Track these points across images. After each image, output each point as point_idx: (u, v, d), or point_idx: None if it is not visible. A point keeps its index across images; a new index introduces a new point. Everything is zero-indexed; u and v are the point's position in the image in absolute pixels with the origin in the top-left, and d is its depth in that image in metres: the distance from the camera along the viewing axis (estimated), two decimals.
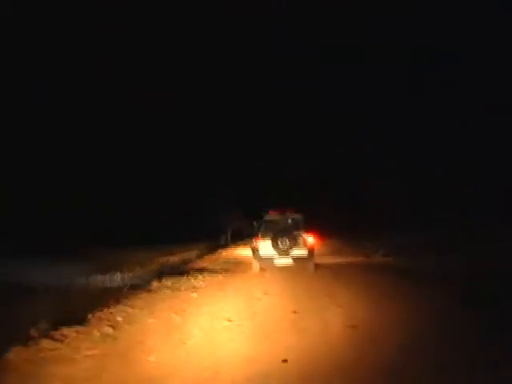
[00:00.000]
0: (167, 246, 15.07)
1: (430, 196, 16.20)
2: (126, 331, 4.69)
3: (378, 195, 18.68)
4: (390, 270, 10.08)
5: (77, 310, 5.33)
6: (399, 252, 12.35)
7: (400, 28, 19.36)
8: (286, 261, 9.37)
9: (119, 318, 5.15)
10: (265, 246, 9.37)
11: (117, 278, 8.74)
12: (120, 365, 3.60)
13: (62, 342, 4.15)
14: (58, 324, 4.55)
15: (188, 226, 20.27)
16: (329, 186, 23.21)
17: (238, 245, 18.99)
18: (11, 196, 15.77)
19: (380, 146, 20.34)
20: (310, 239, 9.53)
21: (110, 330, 4.62)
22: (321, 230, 12.06)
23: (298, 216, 9.87)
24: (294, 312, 5.52)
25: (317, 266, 10.15)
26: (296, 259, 9.37)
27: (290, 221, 9.82)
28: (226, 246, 18.66)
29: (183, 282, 8.10)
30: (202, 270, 10.00)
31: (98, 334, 4.50)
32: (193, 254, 14.26)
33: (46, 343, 4.00)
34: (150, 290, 7.20)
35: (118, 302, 6.06)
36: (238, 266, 11.12)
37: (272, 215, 9.97)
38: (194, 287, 7.55)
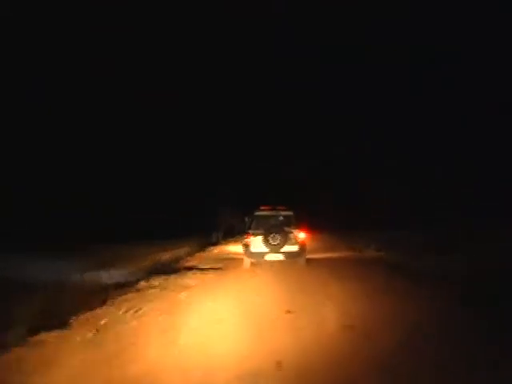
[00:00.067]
0: (161, 242, 14.97)
1: (429, 196, 16.21)
2: (109, 336, 4.45)
3: (377, 195, 18.70)
4: (384, 277, 10.07)
5: (62, 310, 5.16)
6: (400, 252, 12.33)
7: (400, 28, 19.38)
8: (277, 256, 9.41)
9: (103, 321, 4.94)
10: (256, 242, 9.43)
11: (108, 276, 8.68)
12: (98, 375, 3.40)
13: (38, 348, 3.98)
14: (38, 327, 4.38)
15: (188, 226, 20.22)
16: (329, 186, 23.24)
17: (229, 242, 18.81)
18: (11, 196, 15.77)
19: (380, 146, 20.36)
20: (301, 235, 9.59)
21: (91, 335, 4.42)
22: (316, 227, 12.06)
23: (289, 212, 9.92)
24: (288, 311, 5.38)
25: (311, 261, 10.19)
26: (287, 255, 9.42)
27: (281, 217, 9.88)
28: (217, 243, 18.57)
29: (172, 280, 7.88)
30: (191, 268, 9.70)
31: (79, 339, 4.30)
32: (184, 251, 14.08)
33: (21, 350, 3.84)
34: (138, 290, 6.99)
35: (103, 302, 5.90)
36: (229, 263, 10.85)
37: (263, 211, 9.98)
38: (183, 286, 7.32)
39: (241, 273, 9.21)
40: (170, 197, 22.12)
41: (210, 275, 8.74)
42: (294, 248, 9.46)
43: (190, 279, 8.05)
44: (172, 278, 8.16)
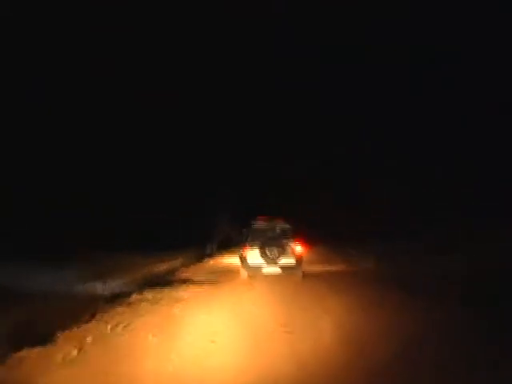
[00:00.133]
0: (158, 252, 14.89)
1: (430, 196, 16.20)
2: (93, 355, 4.22)
3: (378, 195, 18.68)
4: (382, 277, 10.01)
5: (50, 323, 5.01)
6: (398, 255, 12.30)
7: (400, 28, 19.36)
8: (274, 269, 9.42)
9: (89, 338, 4.69)
10: (253, 255, 9.44)
11: (102, 287, 8.65)
12: None
13: (17, 367, 3.79)
14: (23, 342, 4.21)
15: (188, 226, 20.20)
16: (329, 186, 23.20)
17: (225, 254, 18.68)
18: (11, 196, 15.76)
19: (380, 146, 20.34)
20: (298, 248, 9.59)
21: (74, 353, 4.19)
22: (311, 238, 12.00)
23: (286, 225, 9.93)
24: (285, 328, 5.13)
25: (307, 275, 10.12)
26: (284, 268, 9.42)
27: (278, 230, 9.89)
28: (211, 255, 18.46)
29: (166, 293, 7.63)
30: (186, 281, 9.51)
31: (62, 356, 4.06)
32: (178, 262, 13.89)
33: (0, 370, 3.68)
34: (129, 304, 6.71)
35: (93, 316, 5.71)
36: (224, 275, 10.71)
37: (260, 223, 9.98)
38: (177, 300, 7.08)
39: (236, 285, 9.07)
40: (170, 197, 22.10)
41: (205, 288, 8.55)
42: (291, 261, 9.45)
43: (185, 292, 7.86)
44: (166, 290, 7.96)
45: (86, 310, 6.02)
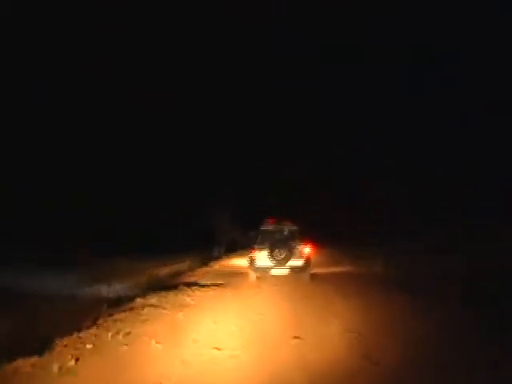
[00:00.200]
0: (162, 255, 14.87)
1: (430, 196, 16.18)
2: (91, 365, 3.99)
3: (378, 195, 18.67)
4: (385, 280, 9.99)
5: (49, 329, 4.85)
6: (394, 261, 12.26)
7: (400, 28, 19.35)
8: (283, 271, 9.48)
9: (88, 346, 4.49)
10: (261, 257, 9.51)
11: (105, 291, 8.63)
12: None
13: (9, 380, 3.58)
14: (17, 351, 3.99)
15: (188, 226, 20.18)
16: (329, 186, 23.19)
17: (232, 257, 18.52)
18: (11, 196, 15.77)
19: (380, 146, 20.33)
20: (306, 250, 9.66)
21: (71, 363, 3.97)
22: (318, 239, 12.01)
23: (294, 227, 10.01)
24: (296, 337, 4.86)
25: (316, 276, 10.14)
26: (292, 269, 9.50)
27: (286, 232, 9.96)
28: (218, 257, 18.34)
29: (170, 298, 7.41)
30: (191, 285, 9.26)
31: (57, 367, 3.85)
32: (184, 265, 13.76)
33: None
34: (131, 309, 6.49)
35: (93, 322, 5.54)
36: (231, 279, 10.50)
37: (269, 225, 10.04)
38: (182, 305, 6.83)
39: (244, 289, 8.88)
40: (170, 197, 22.10)
41: (211, 292, 8.39)
42: (299, 263, 9.54)
43: (189, 296, 7.65)
44: (170, 294, 7.76)
45: (89, 313, 5.93)
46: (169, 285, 9.31)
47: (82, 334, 4.94)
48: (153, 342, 4.71)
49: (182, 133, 24.11)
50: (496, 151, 14.89)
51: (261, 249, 9.56)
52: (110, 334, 4.96)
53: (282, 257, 9.37)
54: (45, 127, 17.79)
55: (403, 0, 19.59)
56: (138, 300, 7.09)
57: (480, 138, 15.42)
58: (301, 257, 9.55)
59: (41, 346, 4.34)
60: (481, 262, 9.25)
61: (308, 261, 9.66)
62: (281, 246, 9.46)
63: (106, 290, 8.59)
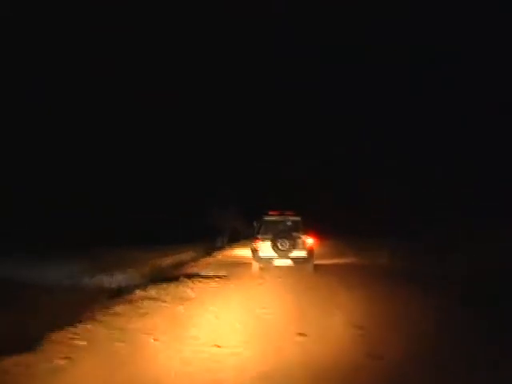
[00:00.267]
0: (164, 246, 14.88)
1: (430, 196, 16.18)
2: (83, 363, 3.69)
3: (378, 195, 18.67)
4: (390, 273, 10.06)
5: (43, 322, 4.71)
6: (400, 254, 12.33)
7: (400, 28, 19.36)
8: (286, 262, 9.48)
9: (82, 342, 4.21)
10: (264, 247, 9.49)
11: (106, 281, 8.64)
12: None
13: None
14: (6, 349, 3.68)
15: (189, 228, 20.18)
16: (329, 186, 23.21)
17: (234, 247, 18.49)
18: (11, 196, 15.77)
19: (380, 146, 20.34)
20: (310, 241, 9.64)
21: (63, 363, 3.63)
22: (320, 232, 12.07)
23: (297, 218, 10.00)
24: (301, 334, 4.66)
25: (319, 267, 10.17)
26: (295, 260, 9.50)
27: (289, 222, 9.95)
28: (222, 248, 18.33)
29: (171, 290, 7.21)
30: (193, 276, 9.03)
31: (46, 367, 3.51)
32: (187, 256, 13.68)
33: None
34: (130, 301, 6.30)
35: (90, 316, 5.32)
36: (234, 270, 10.35)
37: (272, 216, 10.03)
38: (182, 298, 6.63)
39: (246, 281, 8.74)
40: (170, 197, 22.10)
41: (213, 284, 8.20)
42: (303, 253, 9.53)
43: (191, 288, 7.45)
44: (172, 286, 7.56)
45: (88, 305, 5.84)
46: (170, 276, 9.20)
47: (76, 329, 4.69)
48: (151, 338, 4.51)
49: (182, 133, 24.12)
50: (496, 151, 14.89)
51: (264, 239, 9.53)
52: (105, 330, 4.73)
53: (286, 248, 9.35)
54: (45, 127, 17.79)
55: (403, 0, 19.61)
56: (138, 292, 6.94)
57: (480, 138, 15.41)
58: (304, 248, 9.52)
59: (33, 341, 4.12)
60: (481, 261, 9.25)
61: (311, 252, 9.64)
62: (284, 236, 9.44)
63: (108, 281, 8.60)
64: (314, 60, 26.21)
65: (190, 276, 8.99)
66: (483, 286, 7.19)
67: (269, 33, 24.08)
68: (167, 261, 12.24)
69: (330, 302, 6.43)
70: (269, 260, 9.51)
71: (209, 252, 15.65)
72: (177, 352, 4.10)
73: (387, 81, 20.49)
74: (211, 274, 9.66)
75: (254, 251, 9.74)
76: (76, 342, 4.26)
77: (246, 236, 17.80)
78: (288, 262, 9.49)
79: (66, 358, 3.78)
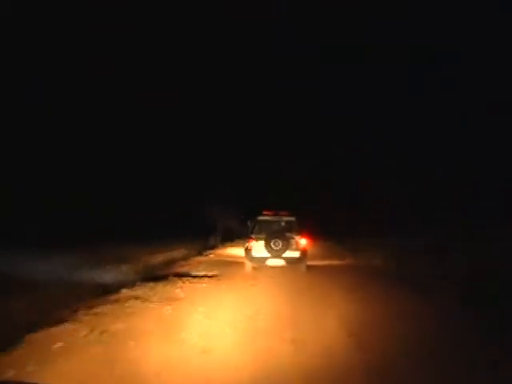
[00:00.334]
0: (157, 243, 14.79)
1: (430, 196, 16.17)
2: (54, 369, 3.39)
3: (378, 195, 18.66)
4: (386, 274, 10.05)
5: (20, 321, 4.52)
6: (399, 254, 12.32)
7: (400, 28, 19.34)
8: (279, 261, 9.52)
9: (57, 345, 3.93)
10: (258, 247, 9.55)
11: (99, 276, 8.60)
12: None
13: None
14: None
15: (187, 227, 20.18)
16: (329, 186, 23.20)
17: (228, 246, 18.33)
18: (11, 196, 15.76)
19: (380, 146, 20.33)
20: (303, 241, 9.70)
21: (32, 368, 3.34)
22: (316, 232, 12.07)
23: (291, 218, 10.03)
24: (293, 341, 4.42)
25: (312, 268, 10.18)
26: (288, 260, 9.55)
27: (283, 223, 9.98)
28: (214, 246, 18.29)
29: (159, 289, 6.97)
30: (183, 275, 8.80)
31: (13, 375, 3.22)
32: (178, 254, 13.59)
33: None
34: (117, 300, 6.09)
35: (71, 315, 5.09)
36: (226, 269, 10.19)
37: (266, 216, 10.04)
38: (170, 298, 6.37)
39: (238, 281, 8.55)
40: (170, 197, 22.11)
41: (203, 284, 7.93)
42: (296, 254, 9.58)
43: (180, 288, 7.21)
44: (160, 285, 7.33)
45: (74, 302, 5.70)
46: (160, 274, 9.01)
47: (54, 330, 4.42)
48: (133, 342, 4.17)
49: (182, 133, 24.13)
50: (496, 151, 14.88)
51: (258, 239, 9.58)
52: (85, 331, 4.42)
53: (279, 247, 9.38)
54: (45, 127, 17.79)
55: (403, 0, 19.59)
56: (125, 291, 6.74)
57: (480, 138, 15.40)
58: (297, 248, 9.58)
59: (8, 342, 3.88)
60: (481, 261, 9.25)
61: (304, 253, 9.70)
62: (278, 236, 9.49)
63: (98, 277, 8.57)
64: (314, 60, 26.19)
65: (180, 275, 8.79)
66: (483, 285, 7.19)
67: (269, 33, 24.06)
68: (159, 258, 12.15)
69: (322, 302, 6.41)
70: (262, 259, 9.57)
71: (201, 250, 15.57)
72: (160, 358, 3.80)
73: (387, 81, 20.48)
74: (202, 273, 9.49)
75: (248, 250, 9.78)
76: (51, 344, 3.96)
77: (239, 235, 17.77)
78: (281, 262, 9.54)
79: (36, 363, 3.47)
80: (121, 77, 20.54)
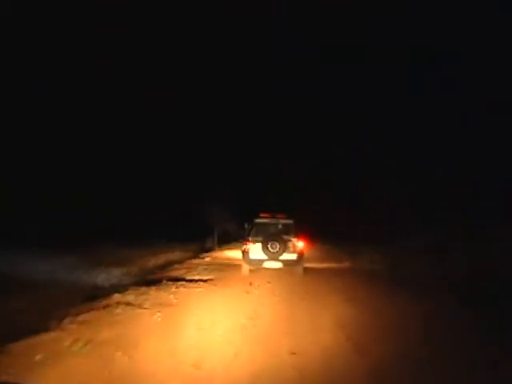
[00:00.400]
0: (154, 245, 14.83)
1: (430, 196, 16.17)
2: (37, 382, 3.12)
3: (378, 195, 18.66)
4: (385, 276, 10.05)
5: (16, 324, 4.48)
6: (399, 254, 12.32)
7: (400, 28, 19.34)
8: (276, 264, 9.52)
9: (38, 357, 3.61)
10: (255, 249, 9.54)
11: (94, 278, 8.70)
12: None
13: None
14: None
15: (186, 228, 20.18)
16: (329, 186, 23.19)
17: (224, 248, 17.91)
18: (11, 196, 15.77)
19: (380, 146, 20.32)
20: (300, 244, 9.71)
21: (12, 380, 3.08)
22: (314, 235, 12.03)
23: (288, 221, 10.03)
24: (293, 353, 4.05)
25: (309, 271, 10.17)
26: (285, 263, 9.54)
27: (280, 225, 9.99)
28: (211, 249, 18.23)
29: (151, 295, 6.65)
30: (177, 280, 8.45)
31: None
32: (175, 256, 13.52)
33: None
34: (106, 306, 5.81)
35: (57, 322, 4.85)
36: (222, 273, 9.93)
37: (263, 218, 10.04)
38: (162, 305, 6.02)
39: (234, 286, 8.19)
40: (170, 197, 22.12)
41: (198, 289, 7.60)
42: (293, 256, 9.58)
43: (173, 294, 6.89)
44: (153, 290, 7.04)
45: (61, 307, 5.66)
46: (154, 278, 8.80)
47: (37, 339, 4.15)
48: (119, 353, 3.84)
49: (182, 133, 24.15)
50: (496, 151, 14.88)
51: (255, 241, 9.58)
52: (69, 341, 4.09)
53: (276, 250, 9.38)
54: (45, 127, 17.80)
55: (403, 0, 19.60)
56: (115, 296, 6.46)
57: (480, 138, 15.40)
58: (294, 251, 9.58)
59: None
60: (481, 261, 9.26)
61: (301, 255, 9.71)
62: (275, 238, 9.49)
63: (96, 278, 8.64)
64: (314, 60, 26.20)
65: (174, 280, 8.44)
66: (483, 285, 7.20)
67: (269, 33, 24.08)
68: (155, 261, 12.13)
69: (317, 304, 6.40)
70: (259, 262, 9.56)
71: (197, 253, 15.44)
72: (147, 372, 3.48)
73: (387, 81, 20.48)
74: (197, 277, 9.11)
75: (245, 253, 9.76)
76: (32, 355, 3.66)
77: (236, 238, 17.71)
78: (278, 265, 9.53)
79: (11, 376, 3.18)
80: (121, 77, 20.57)
